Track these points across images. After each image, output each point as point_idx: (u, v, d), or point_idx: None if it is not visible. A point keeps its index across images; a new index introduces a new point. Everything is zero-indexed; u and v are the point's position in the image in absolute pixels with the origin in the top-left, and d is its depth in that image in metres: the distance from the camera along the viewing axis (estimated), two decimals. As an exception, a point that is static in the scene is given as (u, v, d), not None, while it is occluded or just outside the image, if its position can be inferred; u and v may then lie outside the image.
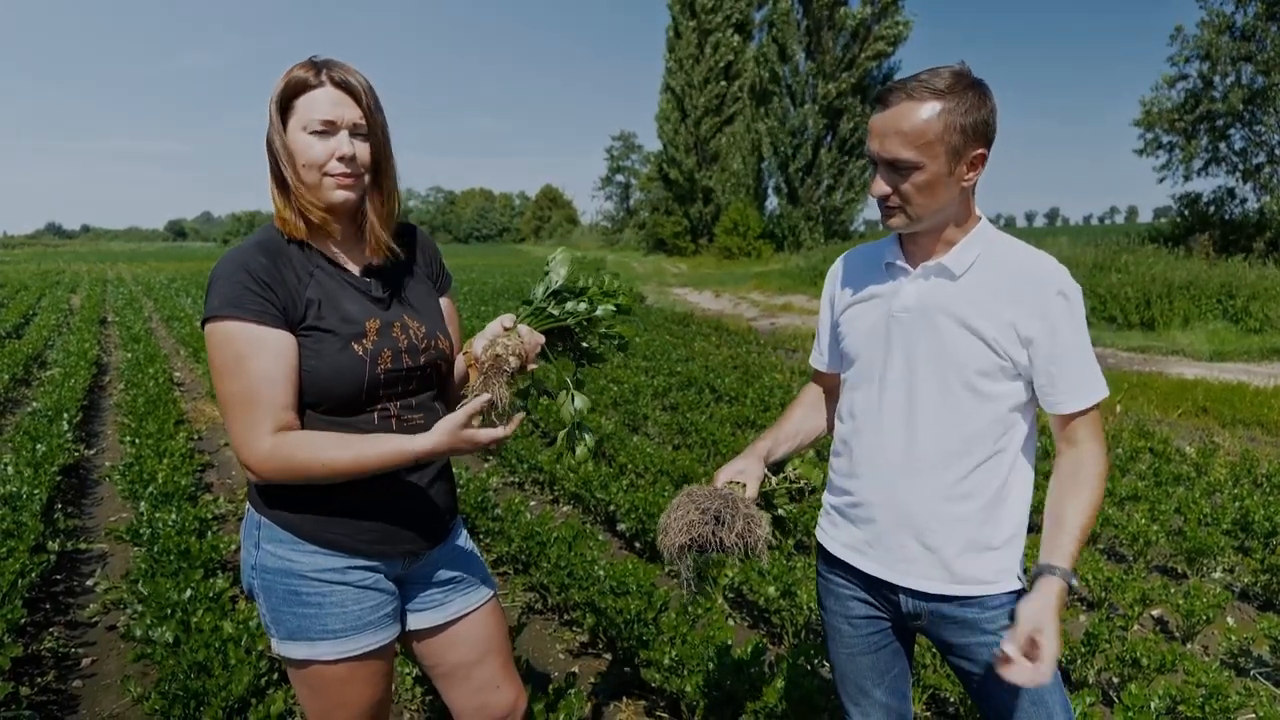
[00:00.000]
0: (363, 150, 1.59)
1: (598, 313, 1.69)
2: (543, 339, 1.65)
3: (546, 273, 1.72)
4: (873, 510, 1.68)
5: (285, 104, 1.56)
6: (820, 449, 3.42)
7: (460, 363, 1.85)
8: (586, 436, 1.73)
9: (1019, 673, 1.43)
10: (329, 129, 1.56)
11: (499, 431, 1.54)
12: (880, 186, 1.56)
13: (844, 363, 1.78)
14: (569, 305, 1.68)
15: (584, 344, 1.74)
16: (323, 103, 1.55)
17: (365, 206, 1.65)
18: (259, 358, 1.51)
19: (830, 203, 34.59)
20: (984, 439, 1.59)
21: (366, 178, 1.62)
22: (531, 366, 1.64)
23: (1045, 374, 1.56)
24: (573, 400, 1.71)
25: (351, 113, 1.57)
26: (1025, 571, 1.64)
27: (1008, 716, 1.63)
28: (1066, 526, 1.54)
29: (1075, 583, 1.51)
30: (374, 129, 1.61)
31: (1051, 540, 1.55)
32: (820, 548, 1.86)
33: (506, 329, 1.64)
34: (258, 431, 1.50)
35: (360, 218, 1.67)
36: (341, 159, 1.56)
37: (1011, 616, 1.60)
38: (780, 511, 1.81)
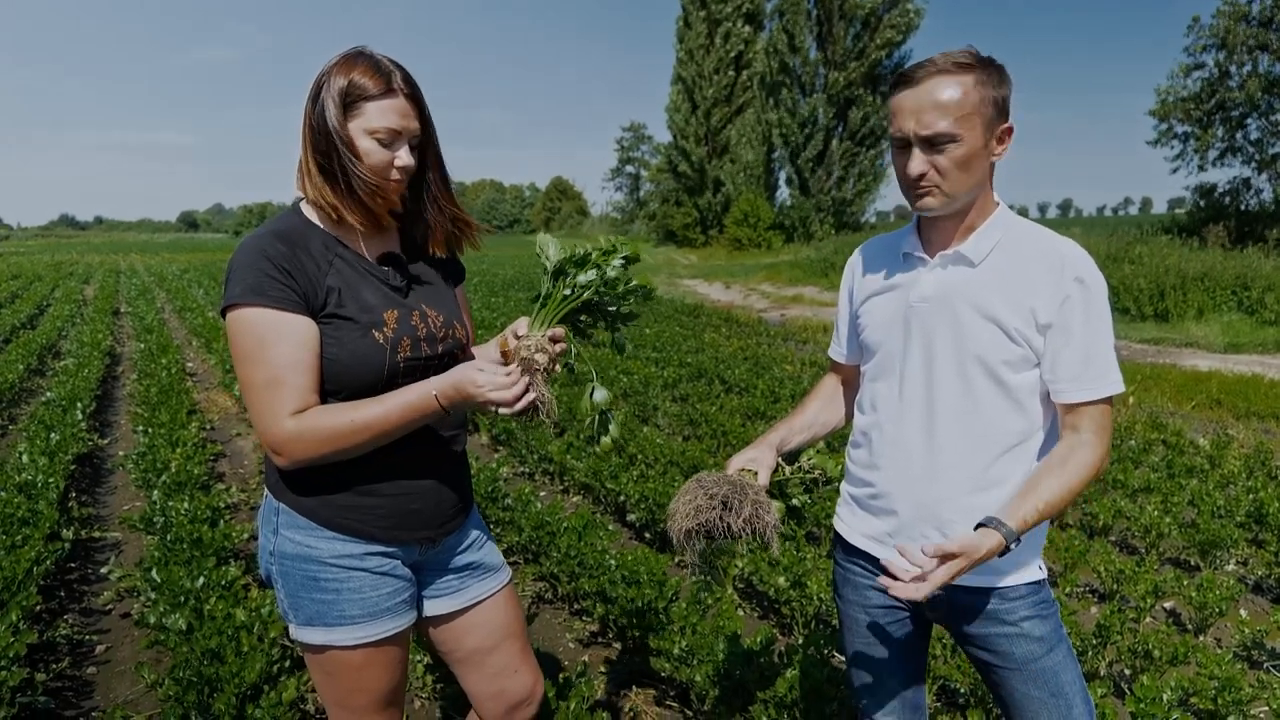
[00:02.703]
0: (413, 158, 1.63)
1: (610, 273, 1.66)
2: (559, 329, 1.65)
3: (543, 264, 1.71)
4: (894, 502, 1.67)
5: (352, 103, 1.56)
6: (830, 441, 3.40)
7: (492, 355, 1.86)
8: (610, 427, 1.73)
9: (899, 584, 1.37)
10: (394, 138, 1.58)
11: (522, 384, 1.53)
12: (919, 165, 1.51)
13: (864, 354, 1.77)
14: (579, 279, 1.65)
15: (610, 308, 1.71)
16: (393, 113, 1.57)
17: (433, 208, 1.72)
18: (281, 344, 1.52)
19: (841, 194, 34.46)
20: (1006, 429, 1.57)
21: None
22: (560, 348, 1.63)
23: (1050, 359, 1.54)
24: (593, 392, 1.71)
25: (414, 124, 1.61)
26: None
27: (1026, 707, 1.62)
28: (1034, 496, 1.47)
29: (1015, 542, 1.45)
30: (431, 137, 1.67)
31: (1015, 502, 1.48)
32: (838, 537, 1.85)
33: (519, 336, 1.63)
34: (282, 415, 1.51)
35: (398, 213, 1.73)
36: (403, 169, 1.61)
37: (1025, 607, 1.59)
38: (795, 501, 1.81)
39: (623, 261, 1.67)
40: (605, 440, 1.74)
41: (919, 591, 1.36)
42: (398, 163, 1.60)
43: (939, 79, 1.47)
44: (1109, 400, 1.55)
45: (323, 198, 1.60)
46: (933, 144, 1.49)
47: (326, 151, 1.57)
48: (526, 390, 1.54)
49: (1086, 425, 1.54)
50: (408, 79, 1.60)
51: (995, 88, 1.49)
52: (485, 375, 1.52)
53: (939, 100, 1.46)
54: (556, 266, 1.67)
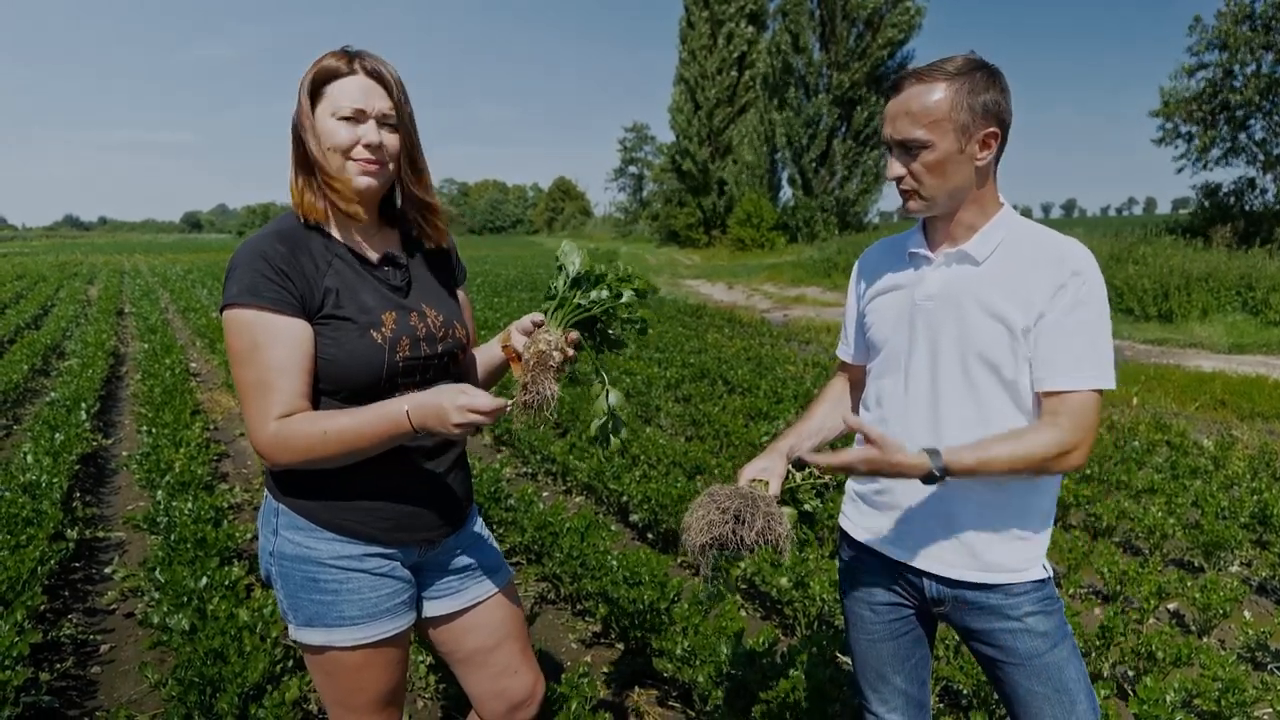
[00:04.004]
0: (390, 140, 1.62)
1: (622, 298, 1.71)
2: (576, 333, 1.66)
3: (561, 265, 1.73)
4: (899, 497, 1.69)
5: (316, 89, 1.58)
6: (834, 444, 3.40)
7: (492, 352, 1.88)
8: (621, 430, 1.76)
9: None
10: (358, 117, 1.58)
11: (498, 402, 1.49)
12: (895, 168, 1.58)
13: (870, 352, 1.79)
14: (593, 294, 1.69)
15: (608, 331, 1.76)
16: (353, 90, 1.57)
17: (408, 197, 1.70)
18: (274, 346, 1.52)
19: (844, 194, 34.43)
20: (1010, 425, 1.57)
21: (391, 166, 1.64)
22: (571, 353, 1.65)
23: (1034, 344, 1.54)
24: (608, 395, 1.73)
25: (381, 103, 1.60)
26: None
27: (1030, 703, 1.62)
28: (980, 449, 1.49)
29: (938, 473, 1.47)
30: (403, 120, 1.64)
31: (961, 448, 1.49)
32: (844, 534, 1.87)
33: (538, 324, 1.65)
34: (268, 417, 1.52)
35: (388, 207, 1.73)
36: (368, 146, 1.59)
37: (1028, 606, 1.60)
38: (807, 507, 1.82)
39: (634, 292, 1.73)
40: (615, 442, 1.77)
41: (838, 457, 1.50)
42: (363, 140, 1.58)
43: (916, 87, 1.53)
44: (1093, 394, 1.52)
45: (300, 195, 1.61)
46: (907, 149, 1.55)
47: (299, 142, 1.59)
48: (499, 410, 1.50)
49: (1067, 419, 1.50)
50: (373, 61, 1.60)
51: (974, 94, 1.51)
52: (466, 397, 1.49)
53: (910, 108, 1.53)
54: (578, 275, 1.70)
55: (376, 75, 1.60)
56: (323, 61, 1.58)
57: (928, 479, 1.49)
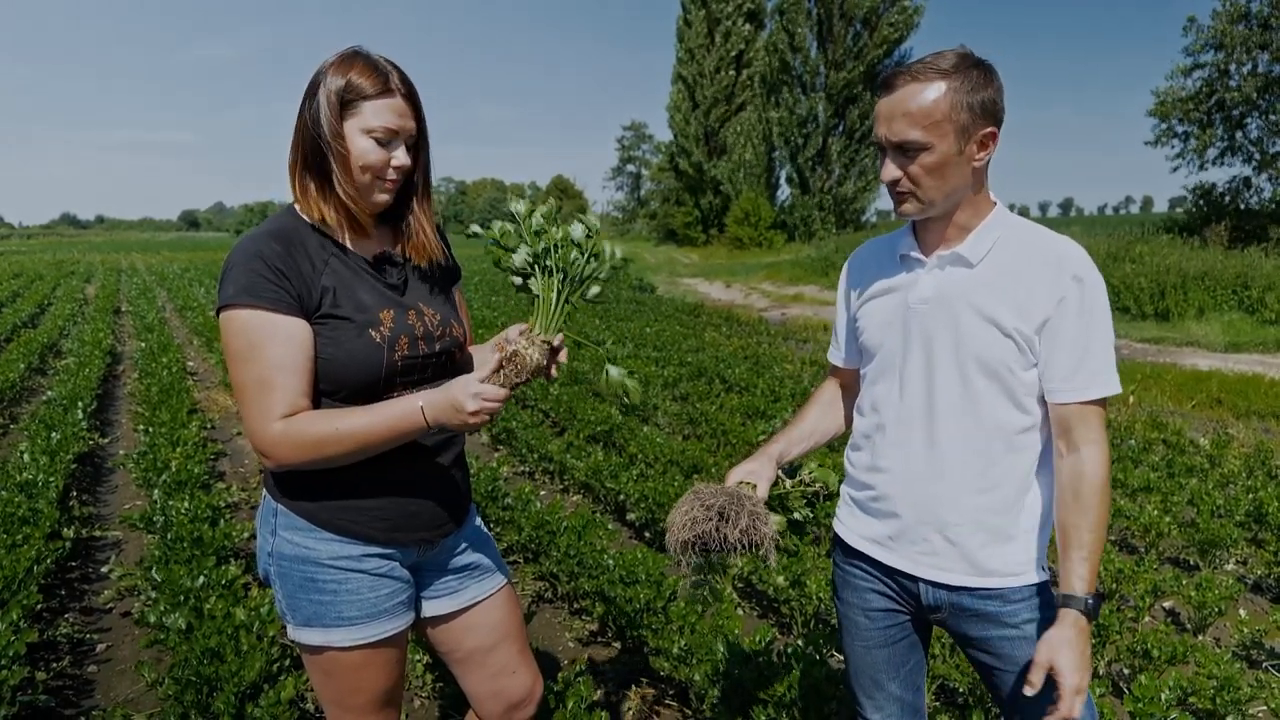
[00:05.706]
0: (409, 158, 1.62)
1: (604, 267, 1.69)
2: (561, 337, 1.63)
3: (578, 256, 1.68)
4: (895, 504, 1.66)
5: (349, 102, 1.56)
6: (832, 443, 3.39)
7: (487, 354, 1.86)
8: (630, 385, 1.72)
9: (1047, 711, 1.43)
10: (390, 138, 1.58)
11: (502, 391, 1.51)
12: (890, 171, 1.53)
13: (863, 357, 1.77)
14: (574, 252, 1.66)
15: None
16: (390, 113, 1.57)
17: (412, 210, 1.70)
18: (272, 345, 1.52)
19: (842, 192, 34.45)
20: (1007, 429, 1.57)
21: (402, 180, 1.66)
22: (562, 356, 1.62)
23: (1045, 358, 1.53)
24: (607, 374, 1.72)
25: (411, 124, 1.60)
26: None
27: (1026, 710, 1.62)
28: (1076, 550, 1.51)
29: (1093, 603, 1.49)
30: (423, 138, 1.65)
31: (1065, 567, 1.52)
32: (838, 539, 1.84)
33: (522, 333, 1.61)
34: (270, 417, 1.51)
35: (392, 212, 1.72)
36: (398, 168, 1.60)
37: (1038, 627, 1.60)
38: (797, 515, 1.79)
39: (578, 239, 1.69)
40: (635, 394, 1.73)
41: (1071, 709, 1.42)
42: (394, 162, 1.59)
43: (912, 86, 1.47)
44: (1104, 401, 1.54)
45: (307, 198, 1.60)
46: (904, 151, 1.50)
47: (319, 151, 1.57)
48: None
49: (1082, 432, 1.52)
50: (404, 79, 1.60)
51: (973, 93, 1.47)
52: (478, 385, 1.50)
53: (908, 109, 1.47)
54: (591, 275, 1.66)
55: (412, 98, 1.60)
56: (353, 75, 1.54)
57: (1090, 616, 1.49)
